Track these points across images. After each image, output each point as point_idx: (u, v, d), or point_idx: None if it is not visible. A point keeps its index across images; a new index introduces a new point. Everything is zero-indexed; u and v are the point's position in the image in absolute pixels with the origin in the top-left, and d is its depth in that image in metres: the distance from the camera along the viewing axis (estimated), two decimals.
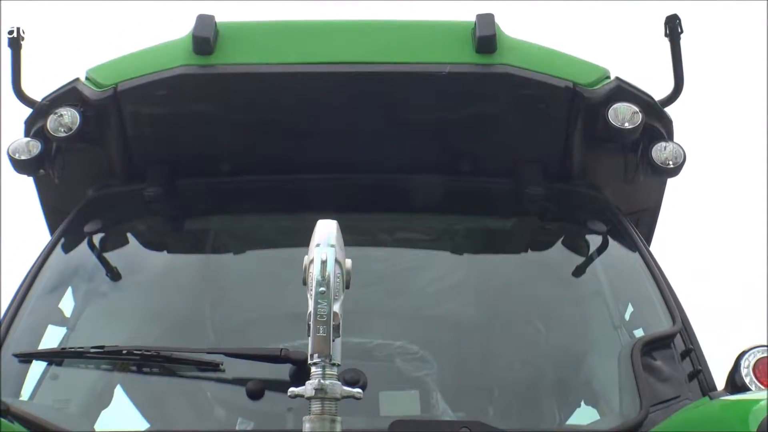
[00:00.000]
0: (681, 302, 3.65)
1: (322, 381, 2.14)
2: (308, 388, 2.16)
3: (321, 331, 2.10)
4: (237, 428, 3.62)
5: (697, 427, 2.73)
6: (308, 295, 2.18)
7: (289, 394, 2.23)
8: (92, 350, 3.44)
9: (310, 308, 2.14)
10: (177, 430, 3.40)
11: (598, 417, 3.39)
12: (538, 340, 3.82)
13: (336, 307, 2.15)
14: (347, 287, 2.26)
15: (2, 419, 3.01)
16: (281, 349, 3.25)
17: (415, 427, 2.89)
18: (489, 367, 3.74)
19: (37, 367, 3.57)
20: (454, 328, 3.87)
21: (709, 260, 11.42)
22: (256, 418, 3.47)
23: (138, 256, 4.11)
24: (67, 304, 3.86)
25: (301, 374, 3.28)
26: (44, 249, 3.98)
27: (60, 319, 3.78)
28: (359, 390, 2.26)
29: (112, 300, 4.02)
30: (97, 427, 3.43)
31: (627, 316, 3.72)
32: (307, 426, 2.15)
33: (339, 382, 2.17)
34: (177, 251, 4.23)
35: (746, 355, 3.27)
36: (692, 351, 3.45)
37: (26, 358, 3.51)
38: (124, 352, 3.39)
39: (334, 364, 2.17)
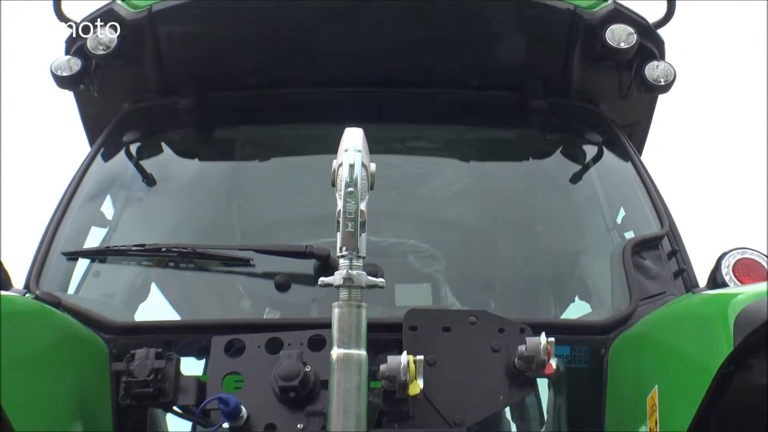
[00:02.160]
0: (668, 207, 3.76)
1: (350, 271, 2.27)
2: (337, 278, 2.29)
3: (349, 227, 2.22)
4: (265, 317, 3.74)
5: (679, 319, 2.85)
6: (337, 195, 2.29)
7: (319, 283, 2.35)
8: (133, 248, 3.58)
9: (339, 207, 2.26)
10: (209, 320, 3.51)
11: (591, 310, 3.52)
12: (538, 241, 3.95)
13: (362, 206, 2.26)
14: (371, 188, 2.38)
15: (55, 310, 3.15)
16: (306, 245, 3.39)
17: (428, 316, 3.00)
18: (493, 264, 3.86)
19: (83, 265, 3.70)
20: (461, 229, 3.99)
21: (696, 171, 11.55)
22: (282, 308, 3.61)
23: (172, 163, 4.23)
24: (107, 207, 3.98)
25: (323, 268, 3.43)
26: (86, 158, 4.08)
27: (102, 221, 3.91)
28: (382, 280, 2.38)
29: (149, 203, 4.15)
30: (137, 317, 3.58)
31: (619, 220, 3.84)
32: (336, 311, 2.28)
33: (364, 273, 2.30)
34: (207, 159, 4.34)
35: (727, 256, 3.40)
36: (678, 252, 3.58)
37: (73, 257, 3.65)
38: (163, 249, 3.52)
39: (360, 257, 2.30)
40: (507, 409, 3.54)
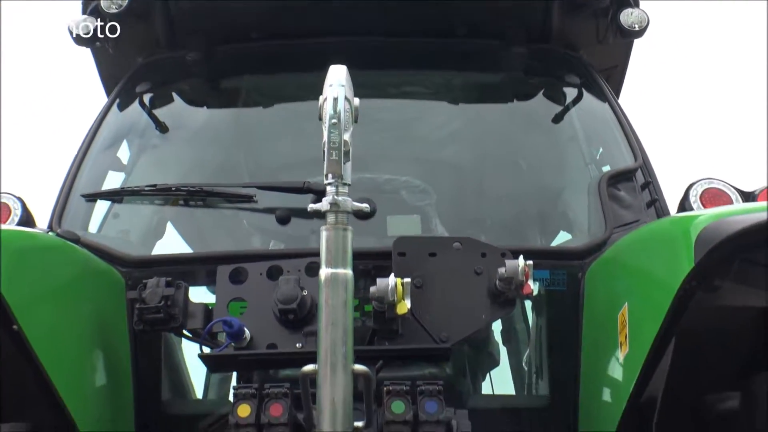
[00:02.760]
0: (642, 143, 3.79)
1: (335, 197, 2.30)
2: (324, 204, 2.32)
3: (334, 156, 2.24)
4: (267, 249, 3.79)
5: (647, 241, 2.88)
6: (323, 128, 2.31)
7: (308, 209, 2.39)
8: (146, 188, 3.62)
9: (324, 137, 2.28)
10: (216, 252, 3.56)
11: (570, 238, 3.55)
12: (521, 176, 3.97)
13: (346, 136, 2.28)
14: (356, 121, 2.40)
15: (75, 246, 3.21)
16: (304, 182, 3.43)
17: (416, 243, 3.03)
18: (480, 198, 3.90)
19: (101, 206, 3.75)
20: (450, 167, 4.00)
21: (670, 107, 11.64)
22: (283, 240, 3.65)
23: (182, 111, 4.26)
24: (123, 153, 4.02)
25: (319, 202, 3.46)
26: (102, 109, 4.12)
27: (119, 166, 3.95)
28: (366, 204, 2.41)
29: (161, 148, 4.19)
30: (150, 252, 3.65)
31: (597, 156, 3.86)
32: (323, 234, 2.31)
33: (350, 198, 2.33)
34: (215, 106, 4.37)
35: (694, 186, 3.44)
36: (650, 183, 3.60)
37: (91, 198, 3.70)
38: (173, 189, 3.56)
39: (345, 184, 2.32)
40: (494, 330, 3.57)
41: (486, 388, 3.62)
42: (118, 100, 4.15)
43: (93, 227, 3.68)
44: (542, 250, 3.38)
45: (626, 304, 2.80)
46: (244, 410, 2.63)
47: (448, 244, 3.00)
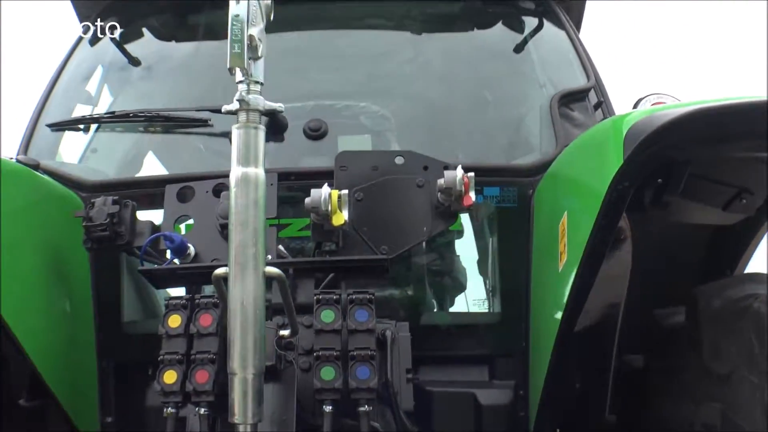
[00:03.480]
0: (594, 64, 3.55)
1: (245, 95, 2.06)
2: (234, 103, 2.09)
3: (236, 49, 1.98)
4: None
5: (584, 147, 2.65)
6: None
7: (222, 110, 2.15)
8: (106, 115, 3.42)
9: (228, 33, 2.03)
10: (168, 174, 3.36)
11: (524, 155, 3.29)
12: (477, 100, 3.68)
13: (253, 31, 2.02)
14: (269, 19, 2.15)
15: (34, 172, 3.01)
16: None
17: (358, 157, 2.81)
18: (438, 122, 3.62)
19: (69, 137, 3.56)
20: (410, 93, 3.73)
21: (626, 30, 11.28)
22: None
23: (150, 45, 3.97)
24: (92, 87, 3.81)
25: (271, 124, 3.23)
26: (73, 43, 3.92)
27: (87, 99, 3.74)
28: (281, 104, 2.18)
29: (131, 81, 3.94)
30: (110, 176, 3.42)
31: (552, 79, 3.59)
32: (234, 133, 2.08)
33: (261, 97, 2.09)
34: (182, 40, 4.07)
35: (643, 100, 3.21)
36: (602, 103, 3.41)
37: (57, 128, 3.50)
38: (131, 114, 3.37)
39: (257, 82, 2.08)
40: (446, 246, 3.33)
41: (438, 306, 3.38)
42: (87, 35, 3.90)
43: (58, 156, 3.50)
44: (491, 167, 3.12)
45: (566, 213, 2.57)
46: (174, 320, 2.46)
47: (391, 157, 2.79)
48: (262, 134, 2.08)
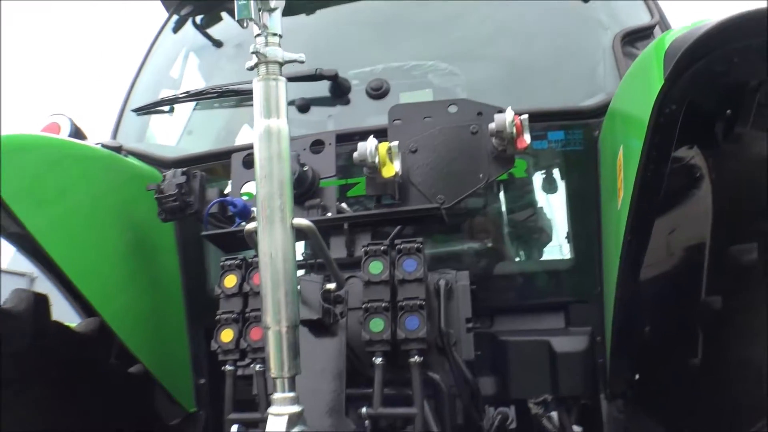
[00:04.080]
0: (659, 2, 3.20)
1: (264, 48, 1.90)
2: (254, 57, 1.92)
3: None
4: None
5: (633, 74, 2.41)
6: None
7: (246, 67, 1.98)
8: (181, 95, 3.36)
9: None
10: (238, 145, 3.20)
11: (589, 98, 2.98)
12: (543, 45, 3.34)
13: None
14: None
15: (118, 155, 2.99)
16: (316, 69, 3.05)
17: (411, 108, 2.61)
18: (504, 72, 3.34)
19: (153, 120, 3.53)
20: (475, 47, 3.43)
21: None
22: (305, 127, 3.26)
23: (226, 27, 3.86)
24: (175, 71, 3.75)
25: (335, 87, 3.08)
26: (156, 32, 3.87)
27: (171, 83, 3.69)
28: (302, 54, 1.99)
29: (211, 63, 3.85)
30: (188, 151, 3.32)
31: (615, 17, 3.25)
32: (255, 86, 1.91)
33: (280, 49, 1.91)
34: None
35: None
36: None
37: (140, 112, 3.48)
38: (204, 92, 3.30)
39: (275, 34, 1.91)
40: (512, 195, 3.07)
41: (512, 255, 3.12)
42: (170, 23, 3.85)
43: (152, 137, 3.52)
44: (554, 111, 2.84)
45: (621, 147, 2.29)
46: (230, 281, 2.39)
47: (444, 106, 2.58)
48: (282, 86, 1.91)
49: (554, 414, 2.71)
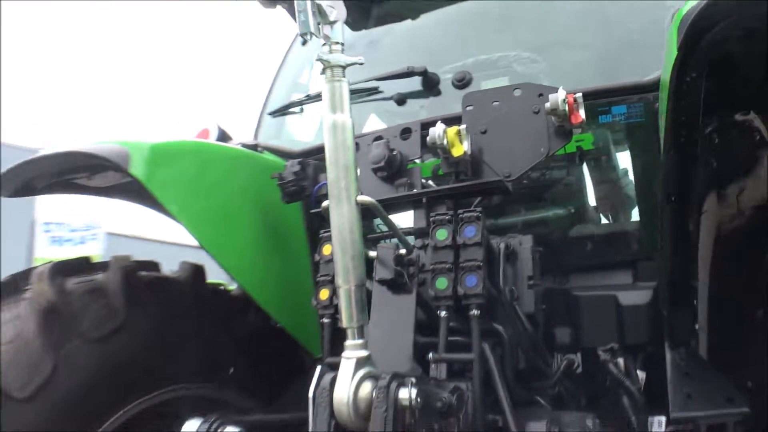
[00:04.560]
0: None
1: (324, 55, 2.18)
2: (319, 64, 2.21)
3: (302, 17, 2.11)
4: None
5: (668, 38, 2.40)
6: None
7: (319, 73, 2.25)
8: (305, 97, 3.69)
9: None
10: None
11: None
12: (610, 27, 3.38)
13: (321, 0, 2.15)
14: None
15: (254, 152, 3.38)
16: (408, 66, 3.30)
17: (482, 95, 2.80)
18: (580, 55, 3.42)
19: (289, 120, 3.90)
20: (556, 38, 3.53)
21: None
22: (401, 118, 3.49)
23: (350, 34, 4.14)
24: (305, 77, 4.10)
25: (425, 81, 3.31)
26: (291, 43, 4.24)
27: (301, 89, 4.04)
28: (361, 57, 2.25)
29: None
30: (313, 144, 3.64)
31: None
32: (323, 87, 2.20)
33: (341, 54, 2.19)
34: (369, 26, 4.19)
35: None
36: None
37: (275, 114, 3.84)
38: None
39: (337, 43, 2.19)
40: (582, 167, 3.18)
41: (586, 219, 3.24)
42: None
43: (278, 137, 3.83)
44: (615, 87, 2.93)
45: (663, 116, 2.39)
46: (327, 249, 2.69)
47: (509, 91, 2.77)
48: (345, 86, 2.20)
49: (620, 360, 2.84)
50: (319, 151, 3.37)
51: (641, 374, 2.88)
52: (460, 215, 2.46)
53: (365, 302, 2.16)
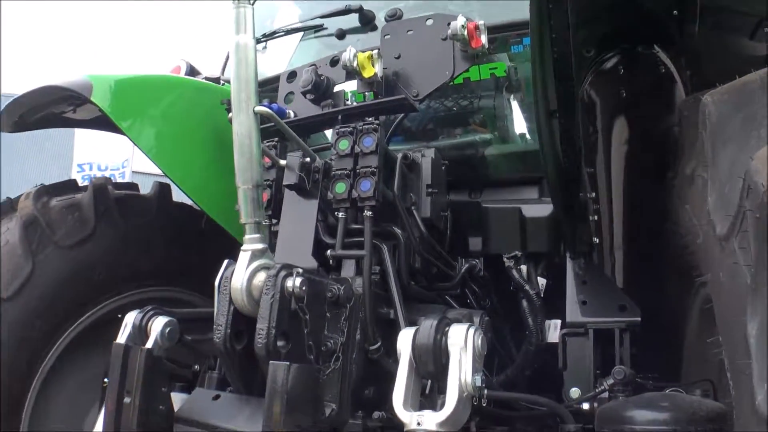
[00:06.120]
0: None
1: None
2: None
3: None
4: None
5: None
6: None
7: None
8: (263, 36, 3.66)
9: None
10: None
11: None
12: None
13: None
14: None
15: (214, 84, 3.39)
16: (346, 5, 3.33)
17: (397, 25, 2.83)
18: None
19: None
20: None
21: None
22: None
23: None
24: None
25: (362, 18, 3.26)
26: None
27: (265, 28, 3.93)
28: None
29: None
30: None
31: None
32: (231, 11, 2.20)
33: None
34: None
35: None
36: None
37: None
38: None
39: None
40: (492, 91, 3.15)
41: (495, 140, 3.19)
42: None
43: None
44: (520, 21, 2.87)
45: None
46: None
47: (422, 21, 2.76)
48: (250, 11, 2.21)
49: (523, 267, 2.87)
50: (272, 81, 3.39)
51: (542, 281, 2.91)
52: (360, 127, 2.48)
53: (261, 201, 2.21)
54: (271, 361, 1.91)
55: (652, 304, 2.70)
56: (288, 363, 1.87)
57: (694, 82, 2.77)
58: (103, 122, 3.02)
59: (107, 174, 13.36)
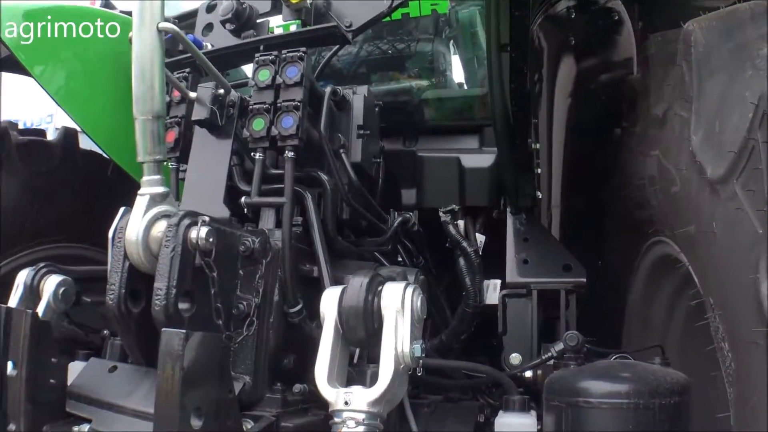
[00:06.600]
0: None
1: None
2: None
3: None
4: None
5: None
6: None
7: None
8: None
9: None
10: None
11: None
12: None
13: None
14: None
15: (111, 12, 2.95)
16: None
17: None
18: None
19: None
20: None
21: None
22: None
23: None
24: None
25: None
26: None
27: None
28: None
29: None
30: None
31: None
32: None
33: None
34: None
35: None
36: None
37: None
38: None
39: None
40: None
41: (433, 83, 2.92)
42: None
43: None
44: None
45: None
46: None
47: None
48: None
49: (461, 222, 2.58)
50: (192, 15, 2.98)
51: (480, 238, 2.63)
52: (283, 55, 2.09)
53: (162, 135, 1.81)
54: (163, 330, 1.49)
55: (592, 264, 2.47)
56: (184, 332, 1.46)
57: (644, 31, 2.53)
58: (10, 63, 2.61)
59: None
